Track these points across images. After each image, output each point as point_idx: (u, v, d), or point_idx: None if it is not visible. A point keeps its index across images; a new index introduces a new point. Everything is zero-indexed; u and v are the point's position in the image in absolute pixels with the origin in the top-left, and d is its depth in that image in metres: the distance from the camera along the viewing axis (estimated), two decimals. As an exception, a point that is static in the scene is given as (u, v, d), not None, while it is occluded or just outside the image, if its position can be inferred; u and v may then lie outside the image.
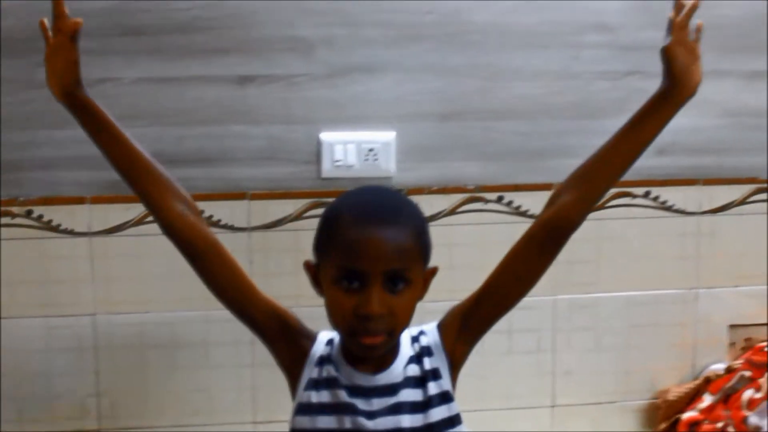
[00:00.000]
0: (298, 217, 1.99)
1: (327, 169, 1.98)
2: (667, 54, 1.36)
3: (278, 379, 2.01)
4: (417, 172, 2.02)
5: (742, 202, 2.14)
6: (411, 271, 1.30)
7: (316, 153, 1.99)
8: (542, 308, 2.09)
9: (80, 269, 1.97)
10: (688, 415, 2.05)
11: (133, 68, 1.93)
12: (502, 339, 2.06)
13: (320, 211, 1.98)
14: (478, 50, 2.00)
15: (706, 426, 2.01)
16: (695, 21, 1.41)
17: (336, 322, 1.32)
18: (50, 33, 1.35)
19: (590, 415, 2.15)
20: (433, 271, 1.38)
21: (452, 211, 2.02)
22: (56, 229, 1.95)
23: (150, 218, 1.93)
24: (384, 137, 1.99)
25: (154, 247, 1.96)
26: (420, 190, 1.99)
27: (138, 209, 1.95)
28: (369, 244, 1.27)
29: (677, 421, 2.08)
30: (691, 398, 2.09)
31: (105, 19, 1.89)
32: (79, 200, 1.95)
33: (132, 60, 1.92)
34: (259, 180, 1.98)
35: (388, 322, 1.28)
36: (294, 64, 1.96)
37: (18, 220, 1.94)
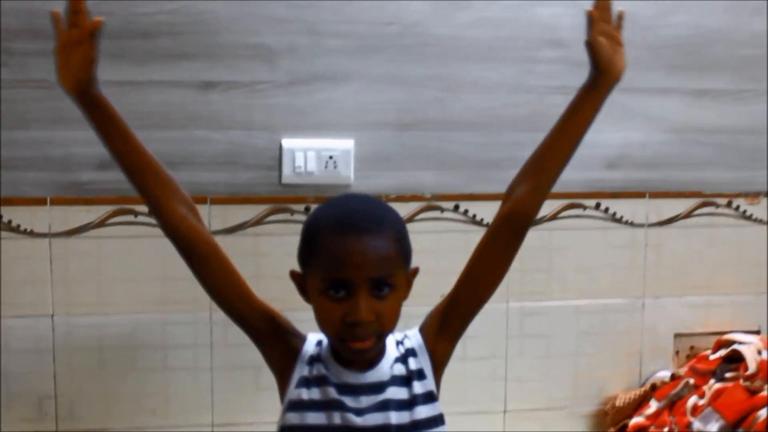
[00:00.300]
0: (259, 222, 2.01)
1: (287, 175, 2.00)
2: (590, 46, 1.44)
3: (237, 382, 2.06)
4: (375, 180, 2.04)
5: (687, 215, 2.20)
6: (395, 276, 1.34)
7: (277, 159, 2.01)
8: (495, 316, 2.12)
9: (39, 270, 1.96)
10: (635, 420, 2.09)
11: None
12: (458, 345, 2.08)
13: (280, 216, 2.05)
14: (436, 62, 2.04)
15: (652, 430, 2.05)
16: (625, 18, 1.48)
17: (325, 329, 1.36)
18: (63, 26, 1.35)
19: (541, 421, 2.18)
20: (415, 272, 1.42)
21: (410, 219, 2.05)
22: (16, 229, 1.94)
23: (110, 221, 1.98)
24: (343, 145, 2.02)
25: (114, 249, 2.00)
26: (378, 198, 2.02)
27: (99, 212, 1.96)
28: (353, 254, 1.30)
29: (625, 426, 2.12)
30: (638, 404, 2.13)
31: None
32: (40, 201, 1.94)
33: (95, 63, 1.94)
34: (220, 185, 2.00)
35: (376, 326, 1.33)
36: (257, 71, 1.98)
37: (-23, 220, 1.95)
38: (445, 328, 1.46)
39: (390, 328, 1.37)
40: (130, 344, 2.00)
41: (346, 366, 1.39)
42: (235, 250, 1.99)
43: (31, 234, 1.95)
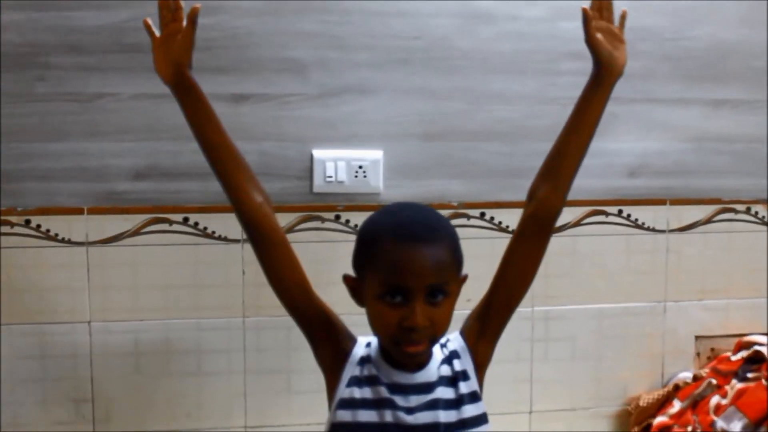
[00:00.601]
0: (291, 229, 2.05)
1: (318, 184, 2.06)
2: (590, 45, 1.50)
3: (269, 385, 2.11)
4: (403, 189, 2.09)
5: (707, 221, 2.25)
6: (449, 284, 1.40)
7: (308, 169, 2.06)
8: (520, 319, 2.14)
9: (77, 278, 2.01)
10: (659, 420, 2.13)
11: (131, 84, 1.99)
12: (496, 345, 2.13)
13: (311, 224, 2.10)
14: (461, 75, 2.10)
15: (676, 430, 2.09)
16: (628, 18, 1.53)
17: (380, 333, 1.40)
18: (155, 30, 1.46)
19: (566, 421, 2.23)
20: (465, 278, 1.48)
21: (437, 226, 2.10)
22: (54, 238, 1.99)
23: (145, 229, 2.03)
24: (372, 155, 2.07)
25: (150, 257, 2.06)
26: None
27: (134, 220, 2.01)
28: (412, 262, 1.35)
29: (648, 426, 2.16)
30: (661, 404, 2.17)
31: (104, 37, 1.96)
32: (77, 211, 2.00)
33: (130, 76, 1.98)
34: (252, 194, 2.05)
35: (430, 331, 1.38)
36: (288, 84, 2.03)
37: (17, 229, 1.98)
38: (484, 330, 1.52)
39: (442, 333, 1.42)
40: (165, 349, 2.05)
41: (396, 367, 1.44)
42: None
43: (69, 242, 2.00)
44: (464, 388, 1.45)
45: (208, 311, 2.05)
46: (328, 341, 1.47)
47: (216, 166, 1.45)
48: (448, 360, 1.47)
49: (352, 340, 1.49)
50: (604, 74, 1.49)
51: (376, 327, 1.40)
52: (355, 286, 1.45)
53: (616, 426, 2.25)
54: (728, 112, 2.22)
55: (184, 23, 1.45)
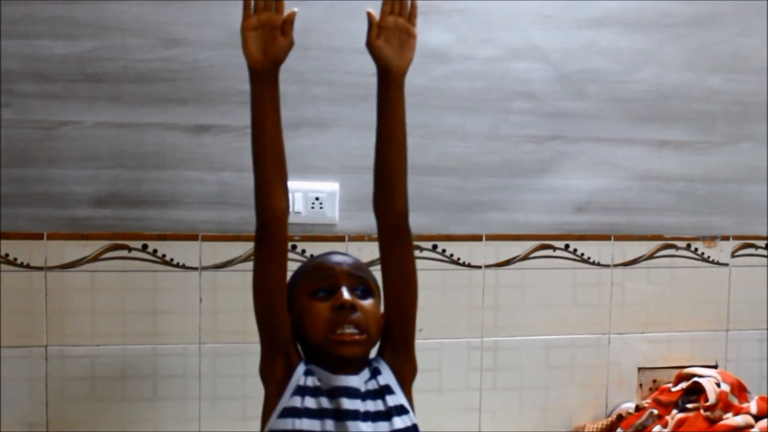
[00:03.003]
0: (247, 258, 2.09)
1: (276, 214, 2.11)
2: (370, 50, 1.58)
3: (224, 411, 2.13)
4: (358, 221, 2.15)
5: (650, 256, 2.32)
6: (371, 285, 1.51)
7: (266, 199, 2.11)
8: (469, 350, 2.21)
9: (35, 302, 2.02)
10: (601, 449, 2.21)
11: (94, 113, 2.03)
12: (433, 377, 2.18)
13: (267, 253, 2.14)
14: (416, 111, 2.11)
15: (618, 458, 2.16)
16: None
17: (316, 326, 1.49)
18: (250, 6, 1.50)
19: (513, 449, 2.30)
20: (384, 315, 1.57)
21: (390, 257, 2.16)
22: (13, 262, 2.00)
23: (105, 255, 2.06)
24: (329, 187, 2.12)
25: (108, 282, 2.08)
26: (361, 237, 2.13)
27: (93, 246, 2.03)
28: (335, 261, 1.54)
29: (592, 454, 2.23)
30: (604, 433, 2.26)
31: (69, 65, 2.00)
32: (37, 236, 2.01)
33: (93, 105, 2.02)
34: (211, 223, 2.08)
35: (361, 319, 1.48)
36: (248, 116, 2.03)
37: (-25, 254, 2.02)
38: (394, 345, 1.60)
39: (373, 329, 1.52)
40: (121, 374, 2.06)
41: (334, 371, 1.51)
42: (225, 285, 2.12)
43: (28, 267, 2.02)
44: (391, 401, 1.52)
45: (164, 337, 2.08)
46: (283, 355, 1.53)
47: (261, 157, 1.52)
48: (373, 375, 1.54)
49: (300, 356, 1.56)
50: (390, 75, 1.57)
51: (311, 323, 1.50)
52: (293, 322, 1.54)
53: (562, 454, 2.34)
54: (671, 152, 2.31)
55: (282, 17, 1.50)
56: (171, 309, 2.08)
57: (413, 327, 1.60)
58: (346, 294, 1.49)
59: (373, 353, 1.60)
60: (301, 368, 1.53)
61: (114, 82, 2.02)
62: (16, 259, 2.01)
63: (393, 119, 1.56)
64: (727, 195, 2.36)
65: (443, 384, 2.19)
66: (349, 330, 1.48)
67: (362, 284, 1.53)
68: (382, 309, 1.60)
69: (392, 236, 1.57)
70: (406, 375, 1.59)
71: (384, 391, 1.53)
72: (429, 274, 2.16)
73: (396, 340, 1.58)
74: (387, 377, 1.55)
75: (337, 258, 1.56)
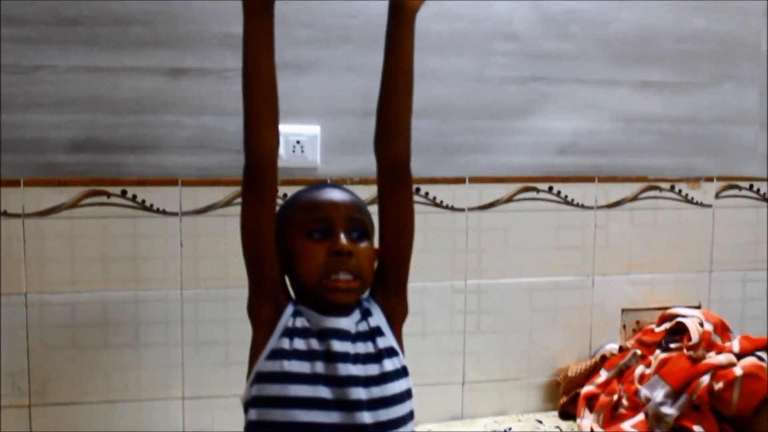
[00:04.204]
0: (228, 203, 2.07)
1: (256, 158, 2.08)
2: None
3: (207, 357, 2.13)
4: (340, 165, 2.13)
5: (633, 198, 2.32)
6: (366, 225, 1.49)
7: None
8: (453, 293, 2.21)
9: (13, 249, 2.00)
10: (586, 389, 2.19)
11: (69, 57, 1.99)
12: (417, 321, 2.17)
13: (249, 198, 2.12)
14: None
15: (602, 398, 2.15)
16: None
17: (310, 270, 1.46)
18: None
19: (497, 391, 2.27)
20: (378, 251, 1.55)
21: (373, 201, 2.08)
22: (-11, 210, 2.00)
23: (83, 202, 2.03)
24: (310, 131, 2.10)
25: (87, 229, 2.05)
26: (343, 181, 2.10)
27: (71, 193, 2.01)
28: (330, 198, 1.49)
29: (576, 395, 2.22)
30: (588, 374, 2.23)
31: (43, 8, 1.96)
32: (14, 182, 1.98)
33: (68, 49, 1.98)
34: (191, 168, 2.06)
35: (356, 264, 1.45)
36: (227, 59, 2.05)
37: (-49, 201, 1.99)
38: (386, 287, 1.58)
39: (367, 275, 1.50)
40: (102, 321, 2.05)
41: (324, 312, 1.49)
42: (206, 230, 2.10)
43: (5, 214, 1.99)
44: (381, 343, 1.51)
45: (146, 283, 2.06)
46: (272, 294, 1.51)
47: (254, 94, 1.46)
48: (364, 317, 1.53)
49: (289, 297, 1.54)
50: (401, 14, 1.53)
51: (305, 265, 1.47)
52: (282, 256, 1.51)
53: (546, 396, 2.31)
54: (655, 94, 2.29)
55: None
56: (152, 255, 2.06)
57: (407, 270, 1.58)
58: (343, 239, 1.45)
59: (366, 295, 1.58)
60: (289, 309, 1.51)
61: (89, 25, 1.97)
62: (-8, 207, 2.00)
63: (401, 58, 1.52)
64: (711, 136, 2.35)
65: (427, 327, 2.19)
66: (344, 276, 1.46)
67: (359, 226, 1.50)
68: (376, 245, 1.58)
69: (393, 179, 1.53)
70: (397, 317, 1.58)
71: (374, 333, 1.52)
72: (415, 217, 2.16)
73: (389, 283, 1.57)
74: (378, 319, 1.54)
75: (334, 195, 1.51)
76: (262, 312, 1.51)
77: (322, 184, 1.59)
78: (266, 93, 1.47)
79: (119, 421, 2.08)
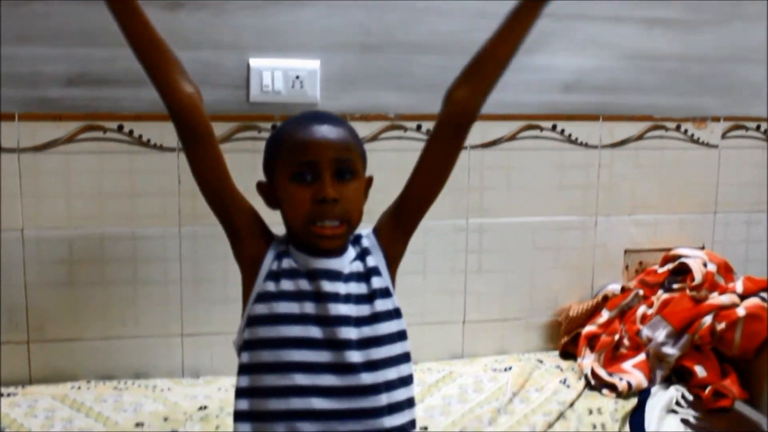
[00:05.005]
0: (227, 139, 2.04)
1: (255, 94, 2.04)
2: None
3: (205, 294, 2.11)
4: (340, 100, 2.09)
5: (639, 137, 2.29)
6: (355, 163, 1.43)
7: (245, 78, 2.04)
8: (455, 232, 2.20)
9: (9, 184, 1.98)
10: (587, 329, 2.19)
11: (62, -12, 1.96)
12: (418, 260, 2.16)
13: (248, 134, 2.10)
14: None
15: (604, 338, 2.15)
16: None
17: (295, 215, 1.42)
18: None
19: (498, 331, 2.27)
20: (371, 180, 1.51)
21: (373, 138, 2.11)
22: (-16, 144, 1.98)
23: (79, 137, 2.00)
24: (310, 65, 2.06)
25: (83, 165, 2.02)
26: (343, 117, 2.06)
27: (67, 128, 1.98)
28: (317, 137, 1.41)
29: (577, 335, 2.21)
30: (590, 314, 2.23)
31: (36, -61, 1.92)
32: (8, 116, 1.95)
33: (60, -21, 1.95)
34: (188, 102, 2.03)
35: (342, 208, 1.41)
36: (225, -10, 2.02)
37: (-55, 134, 1.96)
38: (397, 229, 1.53)
39: (355, 217, 1.45)
40: (100, 258, 2.04)
41: (313, 254, 1.45)
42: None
43: (0, 149, 1.96)
44: (376, 283, 1.47)
45: (143, 220, 2.04)
46: (248, 237, 1.47)
47: (145, 59, 1.42)
48: (361, 256, 1.49)
49: (271, 237, 1.50)
50: None
51: (291, 211, 1.43)
52: (267, 190, 1.48)
53: (547, 336, 2.31)
54: (662, 31, 2.25)
55: None
56: (149, 191, 2.03)
57: (424, 215, 1.55)
58: (328, 186, 1.41)
59: (365, 230, 1.54)
60: (271, 253, 1.48)
61: (81, -46, 1.94)
62: (-14, 141, 1.97)
63: (523, 29, 1.48)
64: (719, 75, 2.31)
65: (428, 266, 2.18)
66: (330, 223, 1.42)
67: (347, 166, 1.44)
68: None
69: (451, 130, 1.48)
70: (396, 257, 1.55)
71: (370, 273, 1.49)
72: (413, 155, 2.06)
73: (403, 223, 1.53)
74: (376, 259, 1.51)
75: (322, 132, 1.44)
76: (243, 256, 1.48)
77: (310, 115, 1.52)
78: (154, 53, 1.42)
79: (118, 357, 2.07)
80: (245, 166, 2.04)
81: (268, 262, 1.46)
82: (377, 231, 1.53)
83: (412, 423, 1.45)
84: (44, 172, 1.99)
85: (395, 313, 1.48)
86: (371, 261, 1.49)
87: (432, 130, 1.50)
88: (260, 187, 1.50)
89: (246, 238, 1.47)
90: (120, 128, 2.00)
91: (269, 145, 1.49)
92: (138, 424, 1.86)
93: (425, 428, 1.85)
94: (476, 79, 1.47)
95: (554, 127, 2.22)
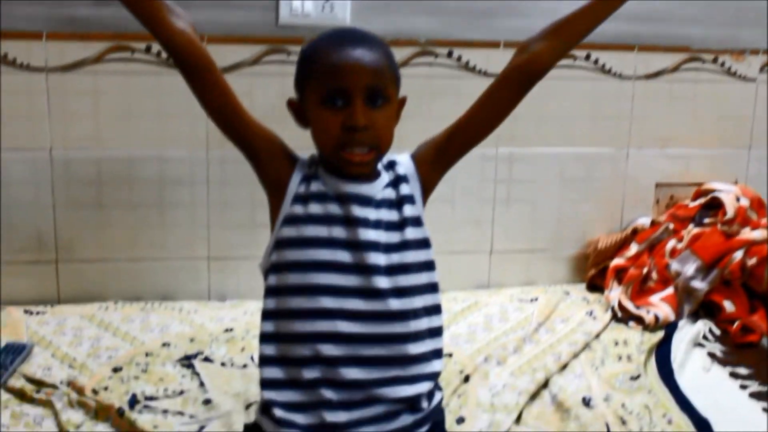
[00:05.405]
0: (256, 62, 2.02)
1: (284, 16, 2.01)
2: None
3: (233, 218, 2.12)
4: (370, 24, 1.99)
5: (674, 69, 2.24)
6: (387, 89, 1.39)
7: (274, 0, 2.01)
8: (484, 160, 2.17)
9: (37, 104, 1.97)
10: (615, 261, 2.18)
11: None
12: (446, 189, 2.10)
13: (276, 57, 2.07)
14: None
15: (632, 271, 2.14)
16: None
17: (325, 140, 1.39)
18: None
19: (525, 262, 2.27)
20: (404, 101, 1.47)
21: (403, 64, 2.07)
22: (13, 63, 1.94)
23: (107, 57, 1.98)
24: (340, -12, 2.05)
25: (112, 85, 2.01)
26: (374, 41, 2.04)
27: (95, 48, 1.96)
28: (350, 63, 1.36)
29: (605, 268, 2.20)
30: (618, 247, 2.21)
31: None
32: (36, 35, 1.94)
33: None
34: (216, 24, 2.00)
35: (372, 135, 1.38)
36: None
37: (-27, 52, 1.95)
38: (438, 161, 1.51)
39: (385, 143, 1.42)
40: (128, 179, 2.04)
41: (343, 178, 1.43)
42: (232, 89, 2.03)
43: (28, 68, 1.95)
44: (408, 211, 1.46)
45: (171, 142, 2.04)
46: (269, 161, 1.45)
47: (129, 6, 1.38)
48: (394, 183, 1.47)
49: (294, 159, 1.47)
50: None
51: (320, 135, 1.40)
52: (298, 108, 1.45)
53: (574, 268, 2.30)
54: (701, -42, 2.20)
55: None
56: (177, 113, 2.02)
57: (464, 155, 1.53)
58: (359, 113, 1.37)
59: (402, 156, 1.51)
60: (297, 176, 1.45)
61: None
62: (15, 60, 1.94)
63: (615, 5, 1.47)
64: (759, 6, 2.24)
65: (456, 195, 2.16)
66: (359, 150, 1.39)
67: (380, 91, 1.40)
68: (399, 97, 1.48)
69: (520, 79, 1.46)
70: (431, 188, 1.53)
71: (403, 201, 1.47)
72: (442, 82, 2.10)
73: (443, 160, 1.51)
74: (413, 187, 1.49)
75: (355, 55, 1.39)
76: (267, 180, 1.46)
77: (345, 33, 1.46)
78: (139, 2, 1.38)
79: (145, 279, 2.09)
80: (274, 90, 2.04)
81: (294, 185, 1.44)
82: (416, 159, 1.50)
83: (435, 353, 1.45)
84: (72, 92, 1.98)
85: (424, 243, 1.47)
86: (406, 189, 1.47)
87: (499, 76, 1.47)
88: (290, 104, 1.46)
89: (266, 162, 1.44)
90: (148, 49, 1.98)
91: (300, 64, 1.45)
92: (164, 345, 1.87)
93: (450, 355, 1.85)
94: (559, 37, 1.45)
95: (588, 57, 2.17)
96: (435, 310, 1.47)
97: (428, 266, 1.47)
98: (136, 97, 2.00)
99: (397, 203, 1.46)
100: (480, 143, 1.50)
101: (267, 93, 2.05)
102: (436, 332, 1.47)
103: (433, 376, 1.45)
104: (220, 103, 1.42)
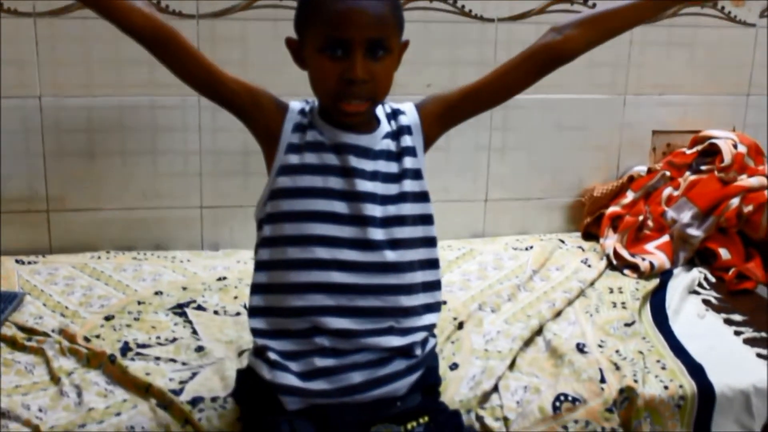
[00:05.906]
0: (246, 7, 1.99)
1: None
2: None
3: (225, 166, 2.10)
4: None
5: (673, 14, 2.21)
6: (389, 39, 1.36)
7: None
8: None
9: (25, 51, 1.94)
10: (611, 209, 2.18)
11: None
12: (441, 137, 2.12)
13: (269, 1, 2.03)
14: None
15: (627, 219, 2.13)
16: None
17: (322, 89, 1.37)
18: None
19: (520, 210, 2.27)
20: (406, 44, 1.44)
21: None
22: None
23: (97, 2, 1.95)
24: (334, -69, 1.99)
25: (101, 31, 1.95)
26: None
27: (83, -7, 1.93)
28: (352, 13, 1.33)
29: (601, 215, 2.19)
30: (614, 195, 2.21)
31: None
32: (23, -20, 1.92)
33: None
34: (208, -32, 1.99)
35: (370, 88, 1.35)
36: None
37: (-41, -3, 1.90)
38: (446, 117, 1.51)
39: (383, 94, 1.40)
40: (119, 127, 2.02)
41: (341, 128, 1.42)
42: (224, 34, 2.01)
43: (16, 13, 1.92)
44: (408, 163, 1.44)
45: (162, 88, 2.01)
46: (256, 114, 1.44)
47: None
48: (396, 134, 1.46)
49: (284, 108, 1.45)
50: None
51: (318, 83, 1.38)
52: (297, 48, 1.41)
53: (569, 217, 2.30)
54: None
55: None
56: (168, 60, 2.00)
57: (472, 118, 1.55)
58: (359, 66, 1.34)
59: (406, 105, 1.49)
60: (288, 125, 1.43)
61: None
62: (1, 5, 1.91)
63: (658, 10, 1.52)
64: (761, -51, 2.23)
65: (451, 144, 2.14)
66: (355, 101, 1.37)
67: (381, 41, 1.37)
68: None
69: (545, 58, 1.48)
70: (432, 142, 1.52)
71: (403, 153, 1.45)
72: (438, 27, 2.07)
73: (451, 117, 1.51)
74: (415, 139, 1.47)
75: (358, 3, 1.35)
76: (258, 132, 1.46)
77: None
78: None
79: (137, 228, 2.08)
80: (266, 36, 2.01)
81: (287, 134, 1.42)
82: (421, 111, 1.49)
83: (428, 306, 1.45)
84: (61, 38, 1.96)
85: (422, 196, 1.45)
86: (408, 140, 1.45)
87: (525, 50, 1.48)
88: (289, 43, 1.43)
89: (253, 116, 1.43)
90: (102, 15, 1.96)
91: (301, 7, 1.41)
92: (157, 293, 1.87)
93: (444, 302, 1.85)
94: (593, 30, 1.47)
95: (585, 1, 2.13)
96: (430, 264, 1.47)
97: (425, 220, 1.47)
98: (126, 43, 1.93)
99: (398, 155, 1.44)
100: (488, 110, 1.53)
101: (260, 38, 2.03)
102: (430, 286, 1.47)
103: (427, 328, 1.46)
104: (191, 69, 1.41)
